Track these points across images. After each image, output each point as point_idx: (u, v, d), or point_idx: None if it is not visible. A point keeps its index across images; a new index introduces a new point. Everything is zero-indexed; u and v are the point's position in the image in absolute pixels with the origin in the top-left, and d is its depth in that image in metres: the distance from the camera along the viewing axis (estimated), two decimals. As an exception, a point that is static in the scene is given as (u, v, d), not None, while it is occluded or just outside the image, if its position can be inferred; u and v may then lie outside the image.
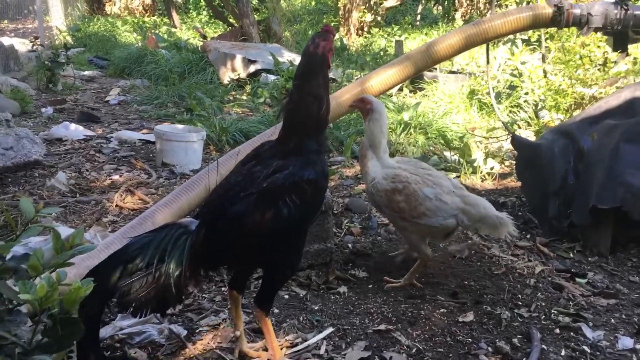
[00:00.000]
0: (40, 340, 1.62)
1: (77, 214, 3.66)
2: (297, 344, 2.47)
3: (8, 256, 1.80)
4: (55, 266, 1.75)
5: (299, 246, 2.20)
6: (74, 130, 5.54)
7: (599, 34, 5.28)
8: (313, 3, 18.52)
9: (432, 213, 2.89)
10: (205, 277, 2.26)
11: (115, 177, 4.39)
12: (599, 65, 5.47)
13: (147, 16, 19.12)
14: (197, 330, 2.55)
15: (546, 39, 6.67)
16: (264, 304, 2.22)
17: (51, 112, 6.44)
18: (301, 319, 2.66)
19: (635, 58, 5.33)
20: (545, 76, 6.33)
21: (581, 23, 3.60)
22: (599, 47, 5.42)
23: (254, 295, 2.32)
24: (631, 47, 4.83)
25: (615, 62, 5.24)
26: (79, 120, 6.10)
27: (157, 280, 1.95)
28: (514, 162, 4.60)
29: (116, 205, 3.81)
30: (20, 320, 1.89)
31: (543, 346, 2.51)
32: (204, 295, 2.84)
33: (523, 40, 7.76)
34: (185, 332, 2.51)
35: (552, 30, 6.47)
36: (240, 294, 2.29)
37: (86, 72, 9.52)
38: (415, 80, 7.89)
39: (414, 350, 2.45)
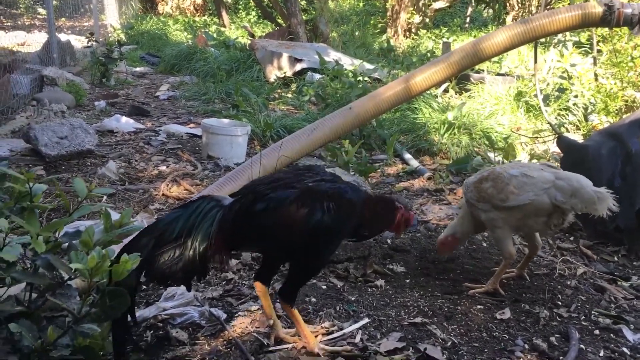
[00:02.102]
0: (89, 310, 1.72)
1: (125, 201, 3.80)
2: (332, 332, 2.51)
3: (61, 233, 1.92)
4: (105, 243, 1.85)
5: (321, 253, 2.24)
6: (125, 123, 5.74)
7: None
8: (361, 4, 18.53)
9: (520, 189, 2.79)
10: (230, 254, 2.30)
11: (163, 167, 4.53)
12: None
13: (198, 16, 19.52)
14: (236, 315, 2.62)
15: (598, 42, 6.52)
16: (286, 297, 2.28)
17: (104, 106, 6.67)
18: (338, 308, 2.71)
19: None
20: (596, 79, 6.19)
21: (632, 23, 3.52)
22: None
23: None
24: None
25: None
26: (129, 114, 6.31)
27: (184, 251, 2.03)
28: (560, 164, 4.52)
29: (162, 194, 3.93)
30: (70, 293, 2.01)
31: (581, 346, 2.48)
32: (243, 282, 2.92)
33: (574, 43, 7.59)
34: (224, 316, 2.58)
35: (605, 32, 6.31)
36: (266, 286, 2.32)
37: (138, 69, 9.81)
38: (461, 82, 7.83)
39: (449, 344, 2.45)
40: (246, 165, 3.44)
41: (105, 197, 3.71)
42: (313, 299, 2.78)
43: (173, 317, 2.55)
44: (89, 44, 8.46)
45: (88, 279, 1.59)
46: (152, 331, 2.45)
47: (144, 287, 2.80)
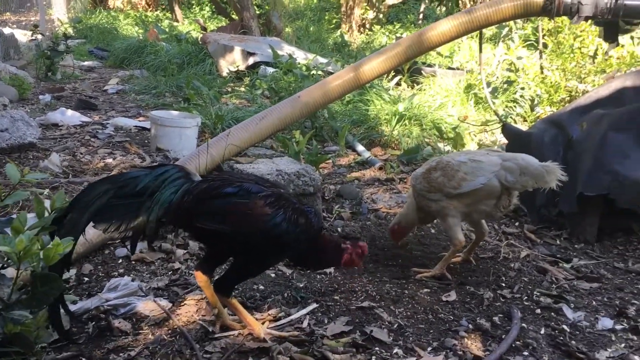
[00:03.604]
0: (19, 296, 1.66)
1: (69, 194, 3.69)
2: (280, 318, 2.50)
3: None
4: (37, 228, 1.79)
5: (266, 256, 2.26)
6: (71, 116, 5.58)
7: (593, 27, 5.33)
8: (315, 0, 18.53)
9: (471, 175, 2.83)
10: (179, 229, 2.28)
11: (109, 160, 4.42)
12: (590, 57, 5.49)
13: (150, 11, 19.15)
14: (183, 304, 2.58)
15: (544, 35, 6.69)
16: (222, 290, 2.28)
17: (49, 100, 6.47)
18: (286, 295, 2.70)
19: (628, 51, 5.35)
20: (542, 72, 6.35)
21: (572, 12, 3.62)
22: (592, 39, 5.44)
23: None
24: (623, 40, 4.88)
25: (607, 53, 5.26)
26: (76, 108, 6.14)
27: (140, 208, 2.05)
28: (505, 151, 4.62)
29: (108, 187, 3.83)
30: (3, 283, 1.93)
31: (523, 325, 2.54)
32: (190, 272, 2.87)
33: (521, 37, 7.77)
34: (170, 305, 2.54)
35: (551, 25, 6.49)
36: (207, 276, 2.28)
37: (86, 63, 9.57)
38: (413, 75, 7.92)
39: (395, 326, 2.48)
40: (194, 155, 3.39)
41: (47, 191, 3.60)
42: (261, 287, 2.77)
43: (116, 308, 2.49)
44: (34, 37, 8.20)
45: (16, 263, 1.53)
46: (93, 322, 2.39)
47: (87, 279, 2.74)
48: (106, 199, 2.02)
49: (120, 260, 2.97)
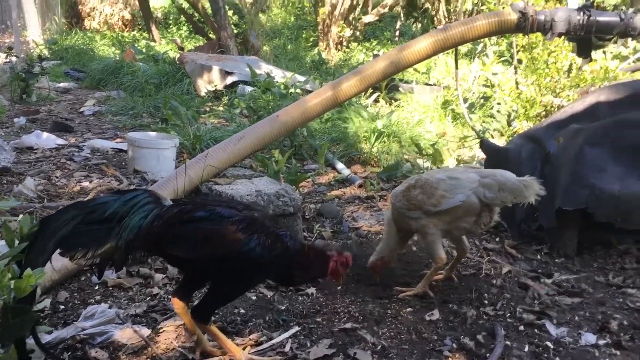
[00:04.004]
0: (-11, 330, 1.60)
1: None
2: (261, 343, 2.46)
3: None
4: (7, 257, 1.73)
5: (241, 281, 2.22)
6: (46, 139, 5.49)
7: (567, 43, 5.41)
8: (293, 18, 18.63)
9: (450, 192, 2.82)
10: (150, 255, 2.24)
11: (85, 183, 4.35)
12: (564, 72, 5.58)
13: (127, 31, 19.08)
14: (161, 331, 2.53)
15: (518, 51, 6.78)
16: (200, 316, 2.23)
17: (24, 122, 6.37)
18: (267, 318, 2.66)
19: (601, 66, 5.44)
20: (517, 87, 6.43)
21: (545, 29, 3.67)
22: (565, 54, 5.52)
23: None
24: (596, 55, 4.96)
25: (580, 68, 5.35)
26: (51, 130, 6.05)
27: (109, 235, 2.01)
28: (484, 167, 4.65)
29: (85, 211, 3.76)
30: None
31: (507, 342, 2.53)
32: (169, 296, 2.81)
33: (495, 52, 7.88)
34: (148, 332, 2.49)
35: (525, 41, 6.58)
36: (184, 302, 2.25)
37: (62, 84, 9.46)
38: (391, 92, 7.97)
39: (379, 347, 2.45)
40: (171, 177, 3.35)
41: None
42: (242, 310, 2.72)
43: (92, 337, 2.43)
44: (8, 60, 8.09)
45: (-15, 296, 1.47)
46: (69, 352, 2.32)
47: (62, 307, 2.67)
48: (73, 225, 1.97)
49: (97, 287, 2.90)
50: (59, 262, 2.72)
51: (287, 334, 2.52)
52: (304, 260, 2.29)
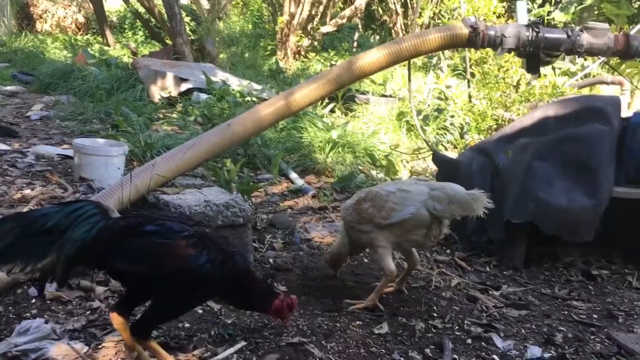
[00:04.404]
0: None
1: (-20, 228, 3.44)
2: (206, 359, 2.38)
3: None
4: None
5: (187, 298, 2.16)
6: (-13, 145, 5.26)
7: (517, 58, 5.53)
8: (251, 26, 18.57)
9: (400, 205, 2.81)
10: (93, 269, 2.15)
11: (27, 191, 4.17)
12: (513, 86, 5.71)
13: (80, 34, 18.66)
14: (100, 347, 2.42)
15: (471, 65, 6.91)
16: (140, 333, 2.15)
17: (-35, 126, 6.10)
18: (212, 333, 2.58)
19: (550, 82, 5.59)
20: (470, 100, 6.54)
21: (495, 44, 3.73)
22: (515, 70, 5.66)
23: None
24: (545, 70, 5.09)
25: (529, 83, 5.48)
26: (-6, 135, 5.81)
27: (49, 248, 1.92)
28: (436, 179, 4.69)
29: (25, 220, 3.60)
30: None
31: (455, 356, 2.53)
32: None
33: (449, 66, 8.01)
34: (86, 349, 2.37)
35: (477, 55, 6.71)
36: (124, 318, 2.16)
37: (8, 87, 9.13)
38: (347, 102, 7.99)
39: (326, 363, 2.41)
40: (116, 186, 3.23)
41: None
42: (187, 324, 2.64)
43: (25, 353, 2.30)
44: (-50, 60, 7.77)
45: None
46: (-1, 371, 2.20)
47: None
48: (10, 238, 1.87)
49: (34, 300, 2.76)
50: (-7, 275, 2.59)
51: (232, 349, 2.45)
52: (248, 286, 2.25)
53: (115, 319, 2.13)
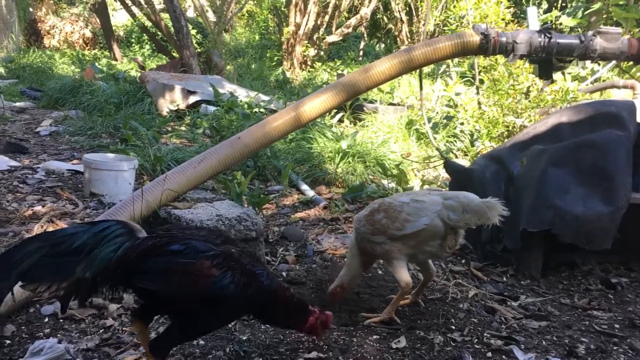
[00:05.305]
0: None
1: (-9, 246, 3.43)
2: (222, 377, 2.34)
3: None
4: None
5: (209, 319, 2.15)
6: (-2, 161, 5.27)
7: (527, 64, 5.49)
8: (257, 37, 18.64)
9: (414, 216, 2.76)
10: (120, 288, 2.12)
11: (38, 207, 4.16)
12: (523, 93, 5.66)
13: (88, 49, 18.80)
14: (115, 366, 2.38)
15: (480, 72, 6.87)
16: (158, 351, 2.13)
17: (-25, 143, 6.12)
18: (227, 350, 2.54)
19: (561, 87, 5.53)
20: (479, 107, 6.49)
21: (507, 50, 3.69)
22: (525, 75, 5.61)
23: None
24: (556, 76, 5.04)
25: (541, 89, 5.43)
26: (4, 151, 5.82)
27: (76, 268, 1.92)
28: (448, 188, 4.63)
29: (36, 237, 3.59)
30: None
31: (475, 370, 2.46)
32: (124, 328, 2.68)
33: (458, 73, 7.97)
34: (100, 369, 2.34)
35: (487, 62, 6.67)
36: (145, 326, 2.18)
37: (18, 103, 9.18)
38: (355, 111, 7.97)
39: (344, 379, 2.36)
40: (127, 201, 3.21)
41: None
42: (201, 342, 2.59)
43: (40, 375, 2.27)
44: (-40, 78, 7.82)
45: None
46: (13, 393, 2.16)
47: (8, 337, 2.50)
48: (37, 257, 1.88)
49: (47, 319, 2.74)
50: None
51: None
52: (281, 306, 2.23)
53: (137, 324, 2.17)
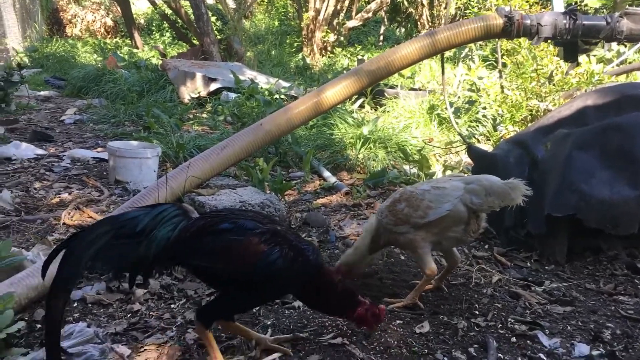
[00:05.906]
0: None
1: (20, 233, 3.50)
2: (248, 361, 2.37)
3: None
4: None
5: (257, 293, 2.23)
6: (24, 149, 5.37)
7: (551, 47, 5.40)
8: (277, 23, 18.59)
9: (436, 202, 2.74)
10: (176, 265, 2.31)
11: (65, 195, 4.24)
12: (547, 77, 5.57)
13: (109, 38, 18.95)
14: (143, 349, 2.43)
15: (502, 55, 6.77)
16: (204, 317, 2.23)
17: (2, 132, 6.23)
18: (253, 334, 2.56)
19: (586, 70, 5.43)
20: (502, 91, 6.41)
21: (531, 33, 3.63)
22: (549, 58, 5.51)
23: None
24: (580, 58, 4.95)
25: (567, 72, 5.33)
26: (31, 140, 5.92)
27: (139, 248, 2.06)
28: (471, 173, 4.60)
29: (63, 223, 3.66)
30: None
31: (499, 355, 2.46)
32: (151, 313, 2.72)
33: (480, 57, 7.87)
34: (129, 352, 2.39)
35: (509, 45, 6.57)
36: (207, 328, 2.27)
37: (42, 92, 9.32)
38: (376, 97, 7.93)
39: (368, 363, 2.37)
40: (152, 188, 3.25)
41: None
42: (227, 326, 2.63)
43: (70, 357, 2.32)
44: (-14, 68, 7.93)
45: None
46: (45, 375, 2.21)
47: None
48: (106, 239, 2.02)
49: (76, 304, 2.80)
50: (35, 280, 2.62)
51: (275, 354, 2.43)
52: (323, 287, 2.28)
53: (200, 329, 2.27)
